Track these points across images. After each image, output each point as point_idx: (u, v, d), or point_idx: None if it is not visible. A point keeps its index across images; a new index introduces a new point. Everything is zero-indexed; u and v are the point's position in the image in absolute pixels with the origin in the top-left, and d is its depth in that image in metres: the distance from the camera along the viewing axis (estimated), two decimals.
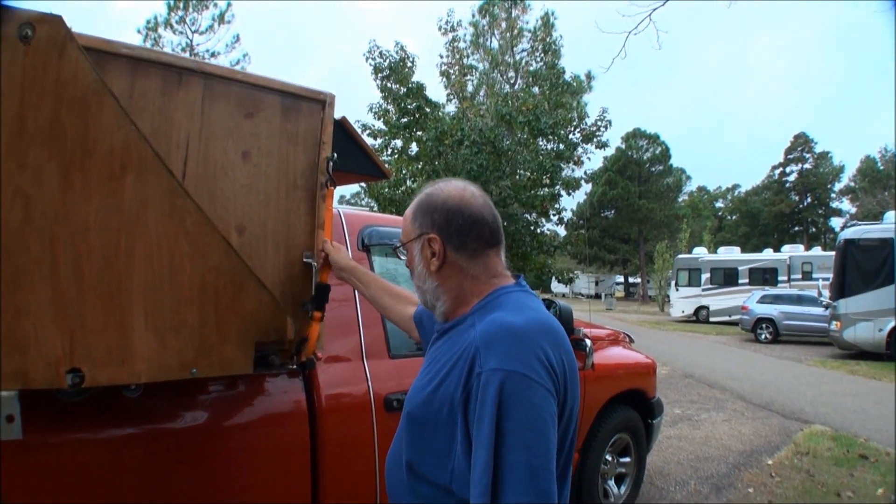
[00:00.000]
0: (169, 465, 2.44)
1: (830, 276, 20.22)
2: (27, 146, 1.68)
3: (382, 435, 3.01)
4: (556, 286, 41.61)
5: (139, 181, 1.89)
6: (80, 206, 1.79)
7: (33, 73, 1.66)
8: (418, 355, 3.35)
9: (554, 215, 21.57)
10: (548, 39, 30.80)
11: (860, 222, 22.18)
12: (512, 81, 32.09)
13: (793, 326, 23.41)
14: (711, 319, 32.93)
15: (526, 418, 1.35)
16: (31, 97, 1.67)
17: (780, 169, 73.46)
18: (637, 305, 56.02)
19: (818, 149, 71.66)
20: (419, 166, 19.54)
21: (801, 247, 37.69)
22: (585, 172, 23.13)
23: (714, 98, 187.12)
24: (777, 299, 24.43)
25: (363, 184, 20.61)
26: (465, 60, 30.16)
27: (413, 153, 20.58)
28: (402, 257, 1.81)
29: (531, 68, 30.25)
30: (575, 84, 30.08)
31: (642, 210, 63.14)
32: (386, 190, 19.03)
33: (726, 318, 31.44)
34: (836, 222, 67.31)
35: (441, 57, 29.46)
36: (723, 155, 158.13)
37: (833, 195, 70.99)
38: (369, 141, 19.08)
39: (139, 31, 35.95)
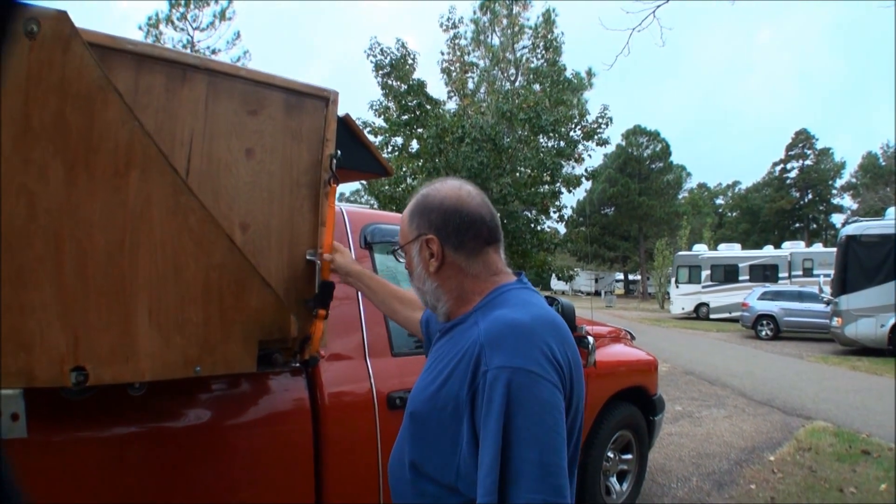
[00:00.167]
0: (172, 463, 2.43)
1: (832, 272, 20.26)
2: (32, 143, 1.67)
3: (385, 433, 3.01)
4: (556, 283, 41.63)
5: (143, 178, 1.89)
6: (85, 203, 1.78)
7: (38, 69, 1.65)
8: (421, 353, 3.34)
9: (554, 212, 21.57)
10: (549, 36, 30.72)
11: (862, 218, 22.24)
12: (513, 78, 32.05)
13: (794, 323, 23.46)
14: (712, 316, 33.02)
15: (535, 414, 1.35)
16: (36, 93, 1.66)
17: (781, 165, 73.58)
18: (637, 302, 56.08)
19: (819, 145, 71.89)
20: (420, 164, 19.56)
21: (802, 243, 37.73)
22: (586, 170, 22.97)
23: (715, 95, 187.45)
24: (778, 296, 24.49)
25: (363, 181, 20.65)
26: (466, 57, 30.13)
27: (414, 150, 20.62)
28: (401, 260, 1.82)
29: (532, 65, 30.17)
30: (576, 81, 30.07)
31: (642, 207, 63.26)
32: (386, 187, 19.06)
33: (727, 315, 31.51)
34: (837, 219, 67.70)
35: (442, 54, 29.51)
36: (723, 152, 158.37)
37: (834, 191, 71.17)
38: (370, 138, 19.06)
39: (140, 28, 35.88)
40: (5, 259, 1.66)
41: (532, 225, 19.99)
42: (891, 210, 19.79)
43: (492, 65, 31.39)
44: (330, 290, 2.60)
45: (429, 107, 19.56)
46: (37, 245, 1.71)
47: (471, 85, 28.58)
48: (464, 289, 1.67)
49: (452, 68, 27.97)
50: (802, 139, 72.00)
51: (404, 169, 19.71)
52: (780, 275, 31.64)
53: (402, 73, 20.00)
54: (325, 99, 2.63)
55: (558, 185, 20.99)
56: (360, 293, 3.14)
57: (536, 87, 25.27)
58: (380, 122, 21.00)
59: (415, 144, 20.56)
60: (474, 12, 32.68)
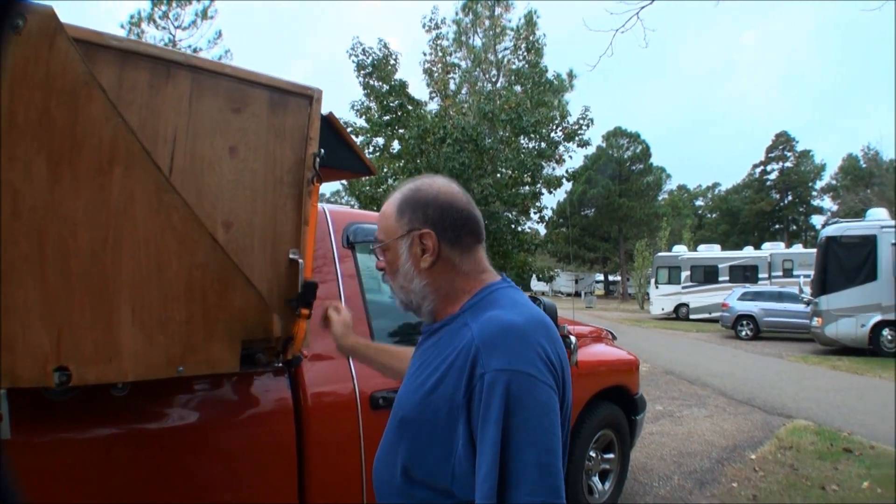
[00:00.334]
0: (155, 464, 2.41)
1: (811, 272, 20.44)
2: (17, 139, 1.66)
3: (368, 433, 3.00)
4: (537, 284, 41.74)
5: (127, 175, 1.87)
6: (68, 200, 1.77)
7: (24, 65, 1.64)
8: None
9: (535, 213, 21.65)
10: (531, 38, 30.82)
11: (842, 220, 22.44)
12: (494, 80, 32.13)
13: (773, 323, 23.65)
14: (692, 317, 33.23)
15: (533, 417, 1.34)
16: (22, 89, 1.65)
17: (761, 167, 74.13)
18: (617, 303, 56.36)
19: (799, 147, 72.44)
20: (401, 164, 19.57)
21: (782, 244, 38.11)
22: (567, 171, 23.06)
23: (696, 97, 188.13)
24: (758, 296, 24.68)
25: (344, 182, 20.65)
26: (448, 58, 30.14)
27: (395, 151, 20.62)
28: (380, 258, 1.72)
29: (514, 67, 30.28)
30: (557, 83, 30.16)
31: (622, 208, 63.52)
32: (367, 188, 19.07)
33: (706, 316, 31.72)
34: (817, 220, 68.15)
35: (424, 55, 29.46)
36: (704, 154, 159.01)
37: (814, 193, 71.78)
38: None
39: (123, 27, 35.71)
40: None
41: (513, 226, 20.06)
42: (871, 211, 20.09)
43: (473, 66, 31.50)
44: (313, 290, 2.59)
45: (410, 107, 19.59)
46: (21, 243, 1.70)
47: (452, 86, 28.62)
48: (454, 287, 1.63)
49: (434, 69, 27.99)
50: (782, 141, 72.55)
51: (385, 169, 19.70)
52: (760, 275, 31.88)
53: (383, 73, 20.01)
54: (308, 97, 2.63)
55: (539, 185, 21.06)
56: (341, 292, 3.14)
57: (518, 88, 25.37)
58: (361, 122, 21.00)
59: (396, 145, 20.59)
60: (456, 13, 32.78)
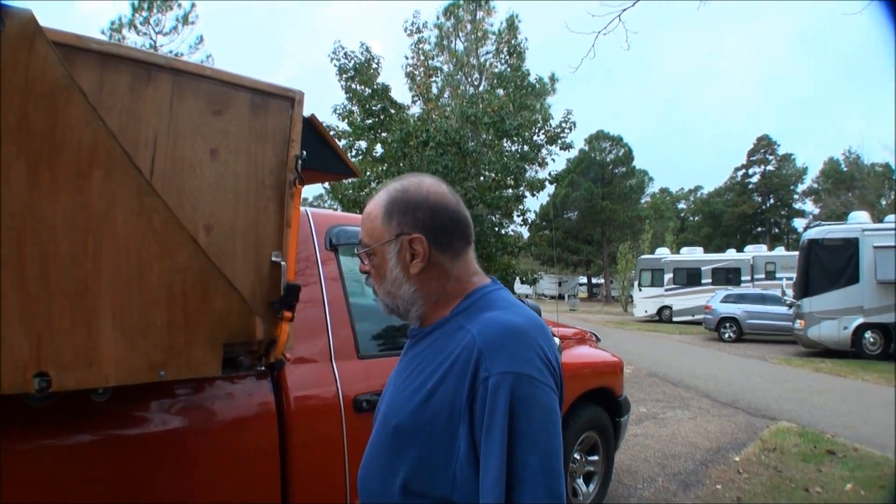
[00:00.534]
0: (137, 469, 2.40)
1: (794, 275, 20.62)
2: None
3: (352, 436, 3.00)
4: (520, 287, 41.82)
5: (107, 179, 1.86)
6: (48, 204, 1.76)
7: (2, 68, 1.62)
8: (387, 356, 3.35)
9: (518, 216, 21.64)
10: (513, 42, 30.90)
11: (824, 222, 22.63)
12: (477, 83, 32.17)
13: (756, 325, 23.82)
14: (675, 319, 33.37)
15: (537, 420, 1.33)
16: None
17: (743, 171, 74.57)
18: (600, 306, 56.57)
19: (781, 151, 72.93)
20: (384, 168, 19.54)
21: (765, 247, 38.31)
22: (549, 174, 23.08)
23: (678, 101, 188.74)
24: (741, 298, 24.84)
25: (327, 185, 20.61)
26: (430, 62, 30.15)
27: (378, 155, 20.59)
28: (366, 262, 1.64)
29: (496, 70, 30.31)
30: (539, 86, 30.22)
31: (605, 211, 63.74)
32: (350, 191, 19.03)
33: (690, 318, 31.86)
34: (798, 223, 68.59)
35: (406, 58, 29.44)
36: (686, 157, 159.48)
37: (796, 196, 72.32)
38: None
39: (103, 33, 35.47)
40: None
41: (496, 228, 20.05)
42: (854, 214, 20.30)
43: (456, 69, 31.52)
44: (296, 292, 2.58)
45: (393, 111, 19.56)
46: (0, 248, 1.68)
47: (435, 89, 28.61)
48: (444, 291, 1.57)
49: (416, 73, 27.99)
50: (764, 145, 73.02)
51: (368, 173, 19.68)
52: (743, 278, 32.09)
53: (366, 77, 19.98)
54: (290, 99, 2.62)
55: (522, 188, 21.07)
56: (325, 295, 3.14)
57: (500, 91, 25.39)
58: (343, 125, 20.95)
59: (379, 148, 20.55)
60: (438, 17, 32.79)
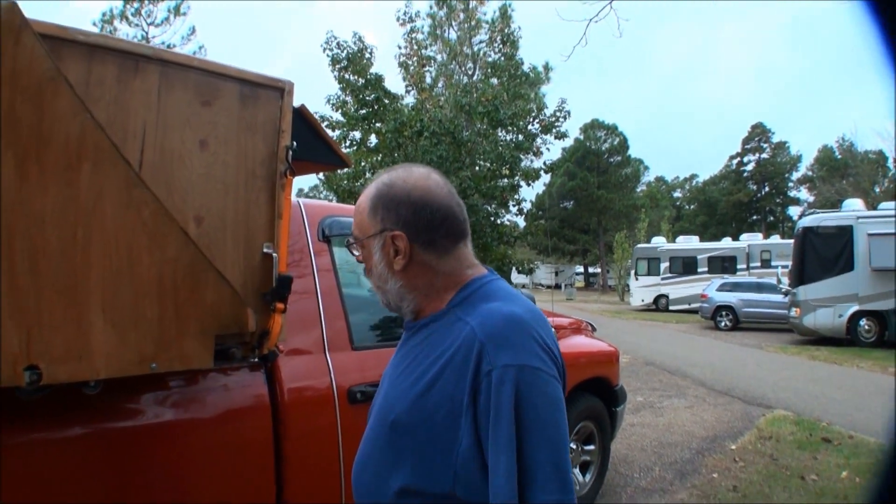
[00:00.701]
0: (130, 462, 2.39)
1: (789, 263, 20.64)
2: None
3: (346, 428, 3.00)
4: (517, 277, 41.83)
5: (95, 171, 1.85)
6: (36, 197, 1.75)
7: None
8: (382, 347, 3.35)
9: (514, 206, 21.64)
10: (506, 31, 30.80)
11: (818, 210, 22.65)
12: (470, 72, 32.09)
13: (752, 314, 23.86)
14: (671, 308, 33.40)
15: (545, 412, 1.31)
16: None
17: (738, 159, 74.66)
18: (597, 295, 56.62)
19: (776, 139, 73.00)
20: (378, 158, 19.49)
21: (760, 235, 38.41)
22: (545, 163, 23.05)
23: (673, 89, 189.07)
24: (736, 287, 24.88)
25: (321, 177, 20.58)
26: (423, 52, 30.07)
27: (372, 145, 20.54)
28: (356, 253, 1.62)
29: (489, 59, 30.24)
30: (533, 75, 30.18)
31: (601, 200, 63.82)
32: (345, 182, 19.00)
33: (686, 307, 31.89)
34: (793, 211, 68.78)
35: (399, 48, 29.36)
36: (681, 145, 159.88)
37: (791, 184, 72.41)
38: (328, 133, 19.00)
39: (95, 25, 35.34)
40: None
41: (492, 218, 20.05)
42: (848, 202, 20.33)
43: (449, 59, 31.43)
44: (288, 284, 2.58)
45: (387, 101, 19.51)
46: None
47: (428, 79, 28.57)
48: (433, 286, 1.54)
49: (410, 62, 27.93)
50: (759, 133, 73.08)
51: (363, 163, 19.64)
52: (739, 266, 32.14)
53: (359, 67, 19.91)
54: (280, 90, 2.61)
55: (517, 178, 21.07)
56: (318, 286, 3.13)
57: (494, 80, 25.34)
58: (337, 116, 20.89)
59: (373, 139, 20.50)
60: (431, 7, 32.69)
